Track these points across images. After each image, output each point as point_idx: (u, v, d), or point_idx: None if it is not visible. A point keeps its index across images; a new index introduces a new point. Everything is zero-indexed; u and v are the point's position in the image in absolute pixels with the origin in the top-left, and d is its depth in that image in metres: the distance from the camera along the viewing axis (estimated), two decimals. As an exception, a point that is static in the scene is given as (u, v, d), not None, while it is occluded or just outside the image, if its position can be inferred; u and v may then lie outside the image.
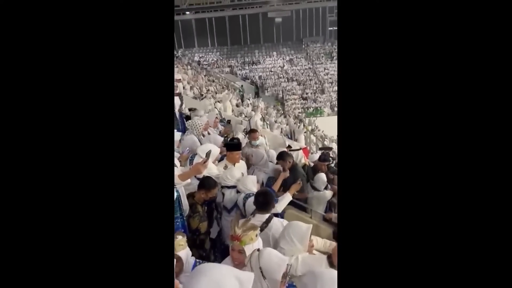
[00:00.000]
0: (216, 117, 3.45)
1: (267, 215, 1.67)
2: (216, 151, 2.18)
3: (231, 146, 2.37)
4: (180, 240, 1.33)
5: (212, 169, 2.15)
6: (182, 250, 1.32)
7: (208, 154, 1.76)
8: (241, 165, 2.36)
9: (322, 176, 2.71)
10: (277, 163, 2.51)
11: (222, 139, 2.84)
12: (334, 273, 0.96)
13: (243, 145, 3.07)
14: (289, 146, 3.72)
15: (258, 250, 1.16)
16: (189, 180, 1.71)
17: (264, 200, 1.69)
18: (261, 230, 1.58)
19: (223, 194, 2.09)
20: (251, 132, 3.20)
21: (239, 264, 1.19)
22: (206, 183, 1.86)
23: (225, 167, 2.26)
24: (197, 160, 2.04)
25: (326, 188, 2.71)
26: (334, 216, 2.42)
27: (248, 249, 1.18)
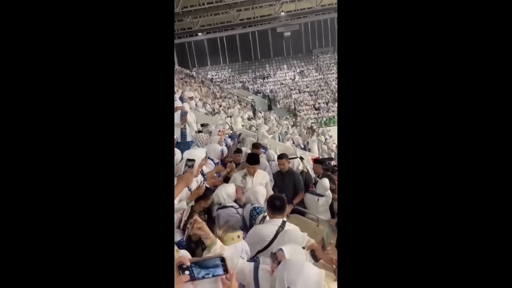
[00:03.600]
0: (220, 130, 3.59)
1: (281, 220, 1.71)
2: (202, 155, 2.09)
3: (250, 160, 2.43)
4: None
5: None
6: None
7: (189, 164, 1.71)
8: (259, 175, 2.44)
9: (324, 181, 2.73)
10: (279, 163, 2.71)
11: (220, 148, 2.91)
12: (315, 269, 0.96)
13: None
14: (301, 158, 3.79)
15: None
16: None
17: (281, 204, 1.73)
18: (277, 234, 1.61)
19: (218, 215, 2.03)
20: (253, 148, 3.30)
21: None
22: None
23: (244, 176, 2.38)
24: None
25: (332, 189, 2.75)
26: (334, 221, 2.44)
27: (230, 249, 1.19)
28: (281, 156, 2.82)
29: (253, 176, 2.41)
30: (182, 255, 1.35)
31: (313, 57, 23.93)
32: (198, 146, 2.93)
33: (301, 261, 1.01)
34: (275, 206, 1.73)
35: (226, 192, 2.04)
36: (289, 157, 3.04)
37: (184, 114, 3.49)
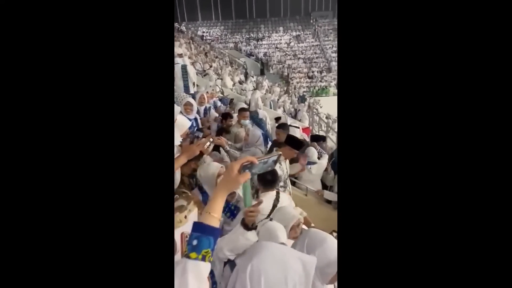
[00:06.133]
0: (207, 92, 3.37)
1: (275, 192, 1.66)
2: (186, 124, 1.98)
3: (296, 145, 1.96)
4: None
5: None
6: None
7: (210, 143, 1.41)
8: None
9: (311, 149, 2.70)
10: (276, 133, 2.50)
11: (190, 123, 2.30)
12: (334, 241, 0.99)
13: (234, 123, 3.02)
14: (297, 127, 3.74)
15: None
16: None
17: (273, 178, 1.67)
18: (275, 207, 1.58)
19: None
20: (241, 111, 3.02)
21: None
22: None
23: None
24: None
25: (319, 158, 2.73)
26: (326, 193, 2.47)
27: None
28: (283, 126, 2.55)
29: (287, 160, 2.09)
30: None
31: (311, 21, 22.69)
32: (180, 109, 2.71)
33: (325, 233, 1.04)
34: (267, 180, 1.66)
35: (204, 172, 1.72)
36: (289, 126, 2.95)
37: (184, 68, 3.34)
